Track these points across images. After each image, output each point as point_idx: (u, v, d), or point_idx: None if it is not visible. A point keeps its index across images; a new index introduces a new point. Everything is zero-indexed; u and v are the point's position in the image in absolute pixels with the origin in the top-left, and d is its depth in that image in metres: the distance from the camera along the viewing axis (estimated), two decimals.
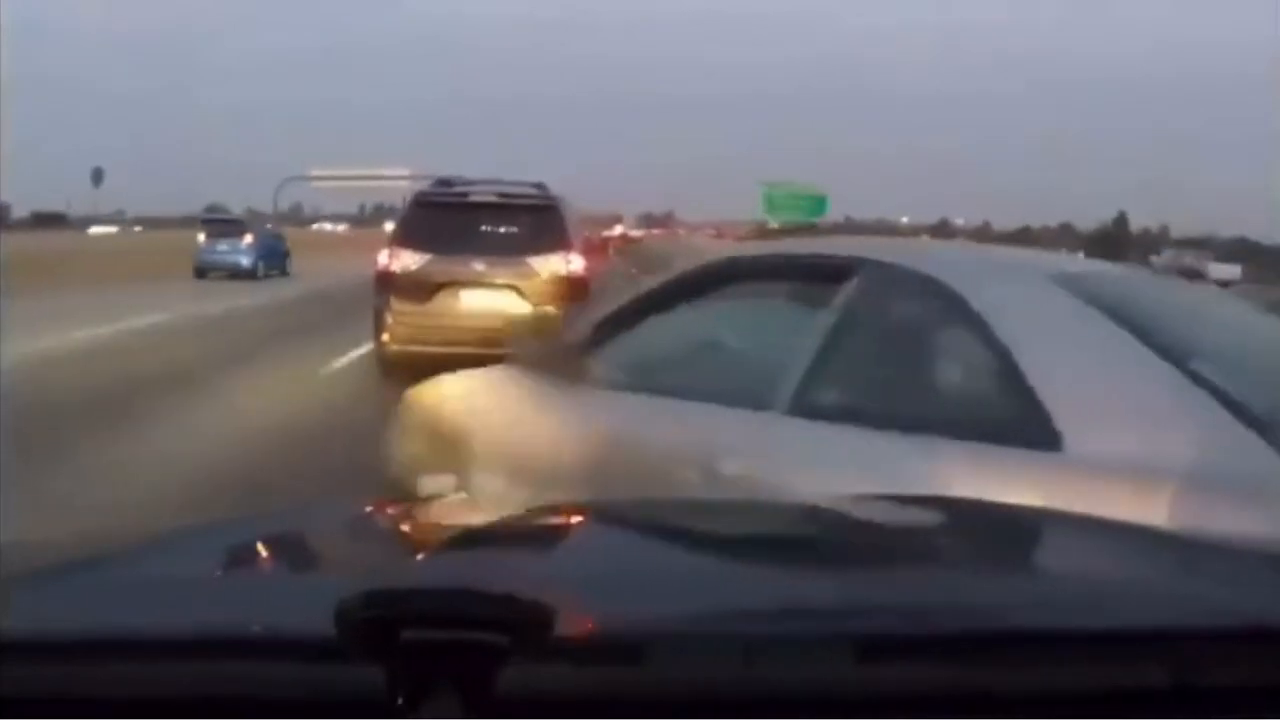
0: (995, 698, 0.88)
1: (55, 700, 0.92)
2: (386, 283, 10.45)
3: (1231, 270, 55.52)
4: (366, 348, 11.45)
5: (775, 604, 1.06)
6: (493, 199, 10.91)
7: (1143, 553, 1.40)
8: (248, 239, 28.06)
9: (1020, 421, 2.31)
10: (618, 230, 73.48)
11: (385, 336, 10.49)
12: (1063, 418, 2.28)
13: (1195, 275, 50.98)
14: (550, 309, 8.61)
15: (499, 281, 10.18)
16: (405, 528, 1.57)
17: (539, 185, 11.16)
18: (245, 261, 27.49)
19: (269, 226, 32.85)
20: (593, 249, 13.64)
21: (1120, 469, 2.19)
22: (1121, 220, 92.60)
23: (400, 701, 0.87)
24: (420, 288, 10.25)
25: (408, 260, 10.39)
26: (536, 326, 4.10)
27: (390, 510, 1.66)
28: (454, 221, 10.47)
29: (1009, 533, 1.48)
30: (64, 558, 1.31)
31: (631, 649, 0.93)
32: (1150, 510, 2.10)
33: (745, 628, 0.97)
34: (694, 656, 0.92)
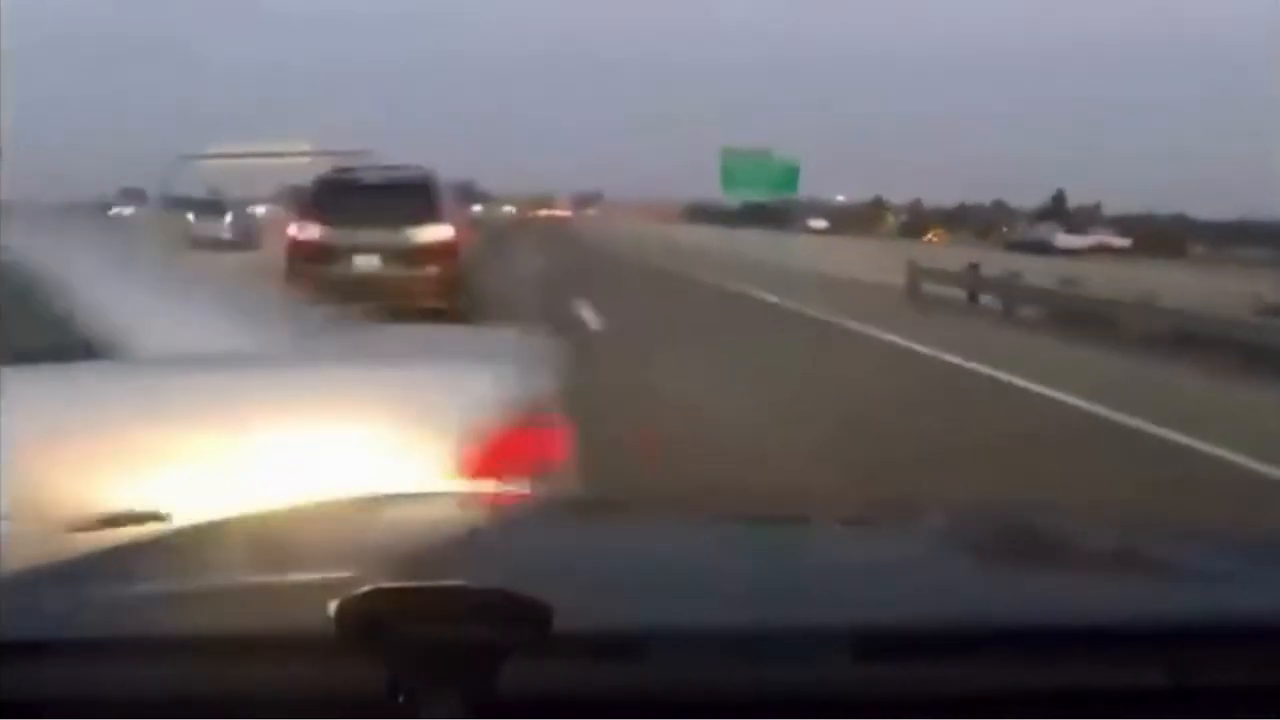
0: (995, 698, 0.90)
1: (56, 700, 0.91)
2: (294, 248, 12.77)
3: (1081, 241, 60.96)
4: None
5: (774, 604, 1.07)
6: (379, 180, 13.26)
7: (1141, 552, 1.42)
8: (227, 218, 35.93)
9: (78, 337, 2.54)
10: (543, 212, 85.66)
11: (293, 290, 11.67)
12: (122, 328, 2.56)
13: (1045, 245, 53.95)
14: (431, 268, 12.03)
15: (382, 246, 12.39)
16: (406, 526, 1.56)
17: (420, 168, 13.58)
18: (226, 235, 34.45)
19: (247, 210, 40.76)
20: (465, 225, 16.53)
21: (179, 363, 2.54)
22: (1060, 198, 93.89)
23: (400, 701, 0.87)
24: (320, 252, 12.38)
25: (311, 231, 12.73)
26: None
27: (390, 509, 1.65)
28: (347, 199, 12.87)
29: (1007, 533, 1.50)
30: (65, 558, 1.29)
31: (631, 649, 0.93)
32: (219, 391, 2.52)
33: (745, 627, 0.98)
34: (694, 656, 0.92)
